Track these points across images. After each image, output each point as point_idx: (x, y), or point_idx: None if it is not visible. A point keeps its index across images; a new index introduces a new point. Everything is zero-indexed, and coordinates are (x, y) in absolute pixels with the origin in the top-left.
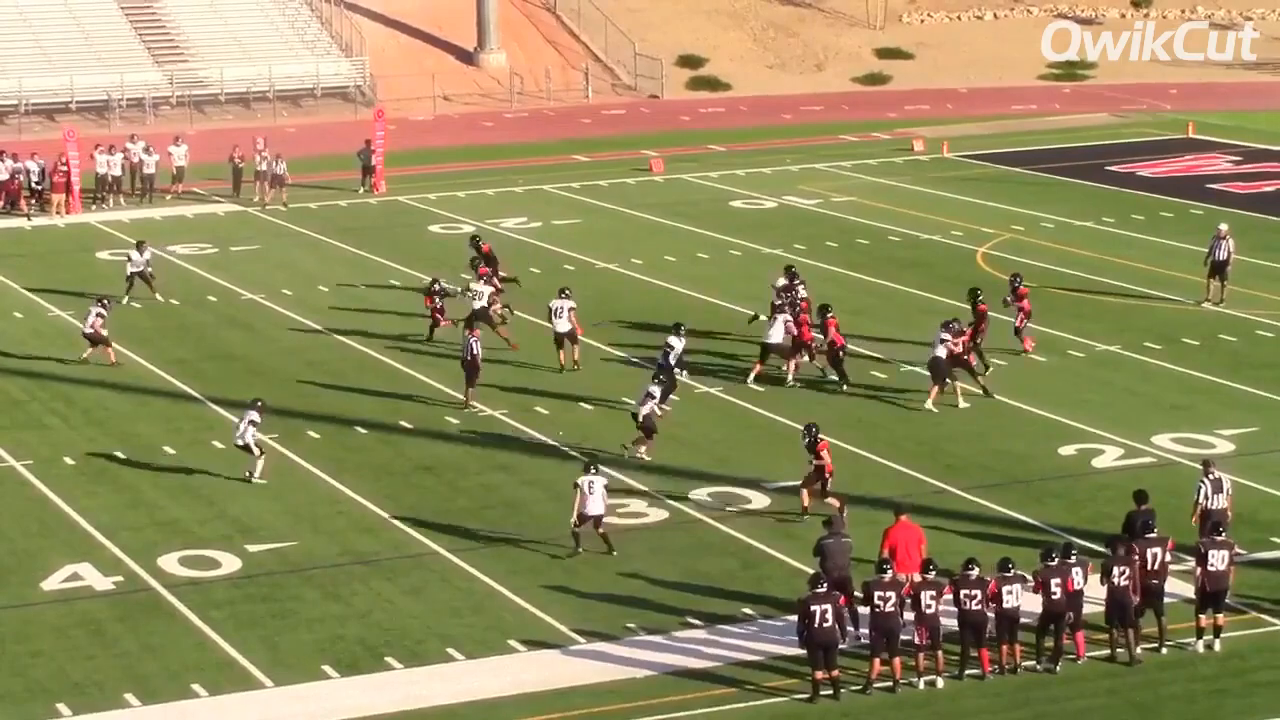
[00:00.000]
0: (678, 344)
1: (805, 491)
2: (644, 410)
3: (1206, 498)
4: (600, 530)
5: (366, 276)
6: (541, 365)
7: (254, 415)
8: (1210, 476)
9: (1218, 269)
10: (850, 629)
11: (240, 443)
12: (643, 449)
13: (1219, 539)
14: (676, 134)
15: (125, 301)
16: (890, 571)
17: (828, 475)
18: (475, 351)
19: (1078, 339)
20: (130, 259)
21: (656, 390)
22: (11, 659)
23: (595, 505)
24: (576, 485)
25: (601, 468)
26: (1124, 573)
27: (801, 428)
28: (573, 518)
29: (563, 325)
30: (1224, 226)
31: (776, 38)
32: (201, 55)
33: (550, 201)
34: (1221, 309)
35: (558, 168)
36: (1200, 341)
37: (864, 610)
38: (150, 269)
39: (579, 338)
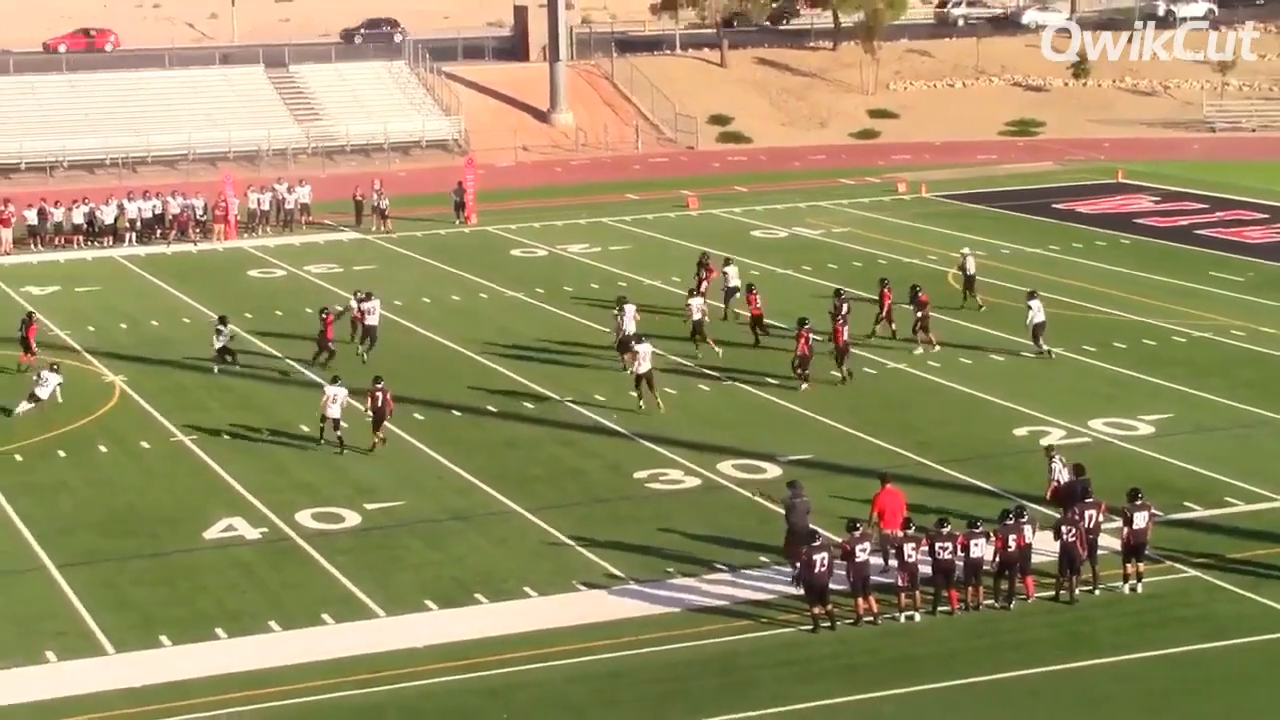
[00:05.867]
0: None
1: None
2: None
3: (1058, 474)
4: (338, 434)
5: (461, 290)
6: (605, 365)
7: None
8: (1059, 459)
9: (969, 284)
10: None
11: None
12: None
13: (1139, 503)
14: (708, 178)
15: None
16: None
17: None
18: (620, 324)
19: (1028, 343)
20: None
21: None
22: (181, 592)
23: (333, 410)
24: (323, 389)
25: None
26: (1071, 531)
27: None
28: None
29: (644, 367)
30: (966, 250)
31: (789, 101)
32: (331, 114)
33: (608, 231)
34: (1147, 319)
35: (614, 205)
36: (1127, 345)
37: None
38: None
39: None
